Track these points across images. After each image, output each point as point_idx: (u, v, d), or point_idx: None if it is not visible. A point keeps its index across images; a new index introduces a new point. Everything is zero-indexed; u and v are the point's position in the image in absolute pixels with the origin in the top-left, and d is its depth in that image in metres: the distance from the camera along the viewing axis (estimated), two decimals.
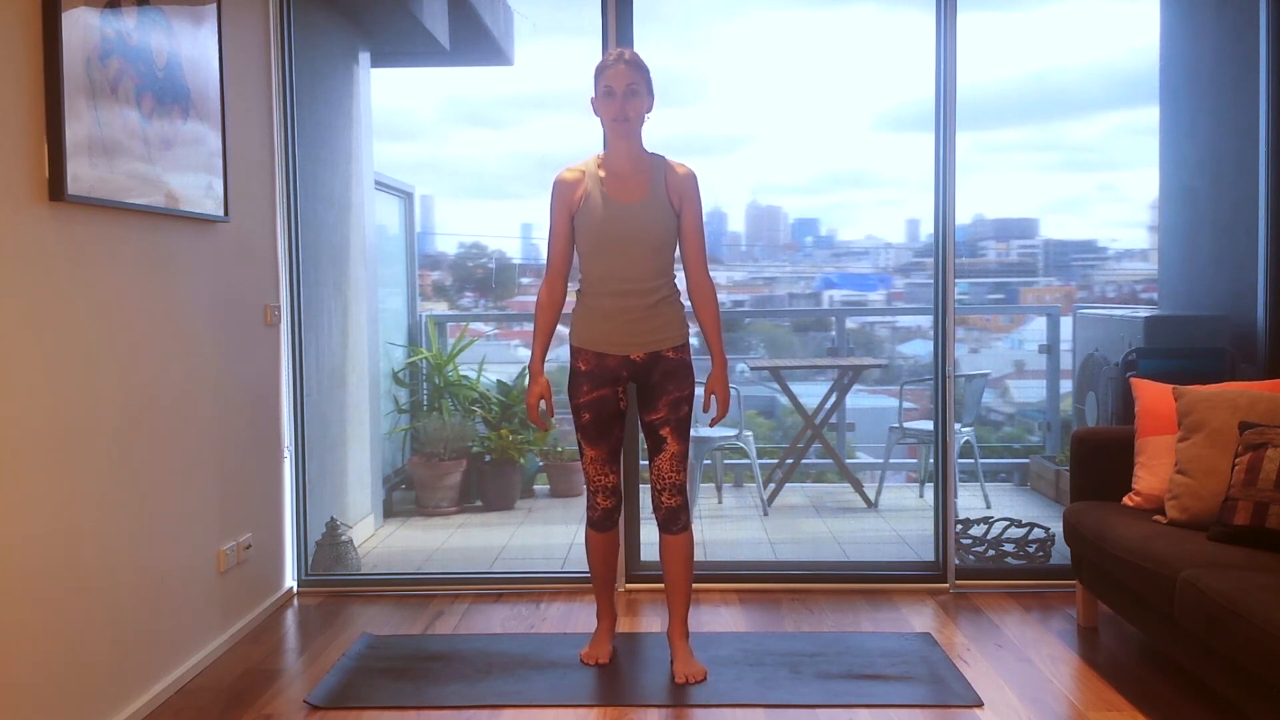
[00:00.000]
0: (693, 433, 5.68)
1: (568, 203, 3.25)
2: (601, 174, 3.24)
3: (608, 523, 3.42)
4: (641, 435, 3.53)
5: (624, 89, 3.15)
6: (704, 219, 3.32)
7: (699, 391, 3.38)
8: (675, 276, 3.34)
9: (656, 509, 3.32)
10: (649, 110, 3.23)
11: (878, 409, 6.83)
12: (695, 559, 3.41)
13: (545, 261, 3.37)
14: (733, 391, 5.72)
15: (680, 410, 3.28)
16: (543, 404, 3.34)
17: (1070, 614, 3.88)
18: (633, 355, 3.26)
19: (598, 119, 3.27)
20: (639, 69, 3.19)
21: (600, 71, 3.20)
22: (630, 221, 3.19)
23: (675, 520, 3.30)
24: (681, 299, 3.36)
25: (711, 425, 3.43)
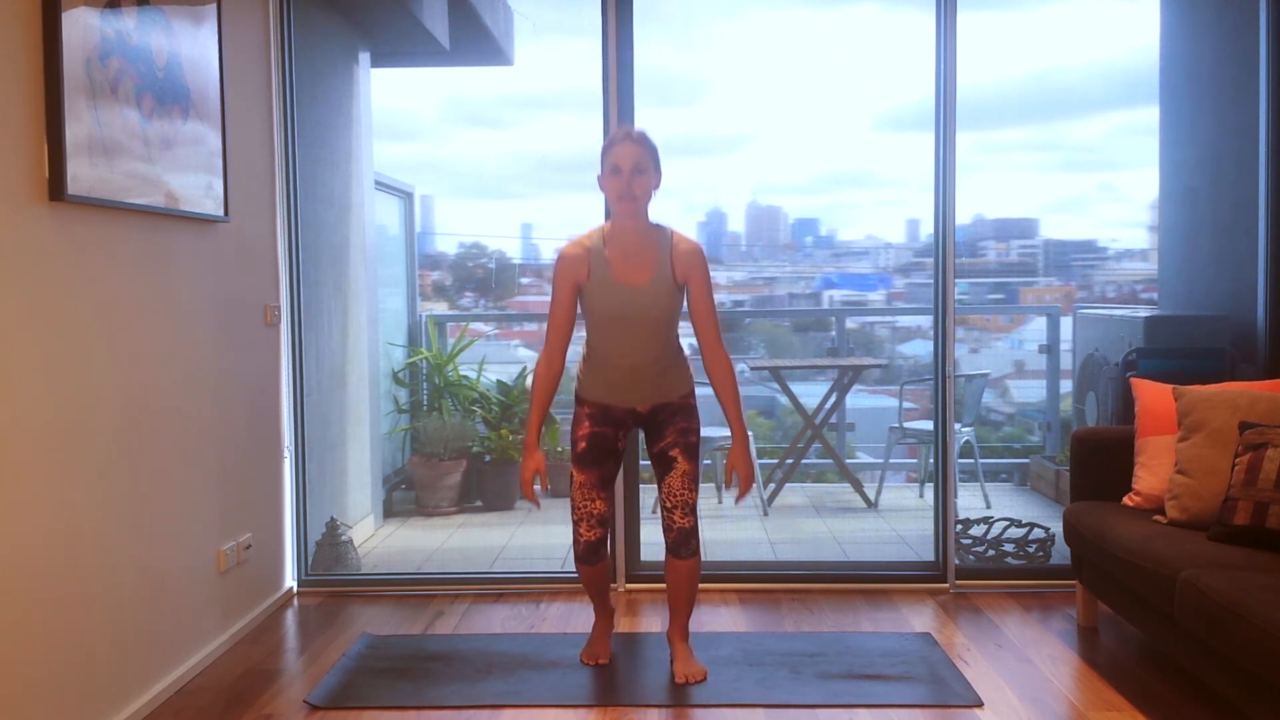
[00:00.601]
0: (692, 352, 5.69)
1: (572, 280, 3.19)
2: (607, 253, 3.17)
3: (594, 556, 3.31)
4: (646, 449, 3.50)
5: (631, 167, 3.09)
6: (713, 293, 3.24)
7: (703, 453, 3.36)
8: (679, 338, 3.33)
9: (668, 530, 3.24)
10: (656, 187, 3.17)
11: (878, 409, 6.83)
12: (698, 583, 3.39)
13: (545, 330, 3.29)
14: None
15: (689, 437, 3.28)
16: (537, 479, 3.23)
17: (1070, 614, 3.88)
18: (639, 407, 3.29)
19: (602, 194, 3.22)
20: (647, 147, 3.13)
21: (607, 149, 3.15)
22: (636, 303, 3.16)
23: (686, 544, 3.23)
24: (686, 355, 3.35)
25: (737, 503, 3.36)
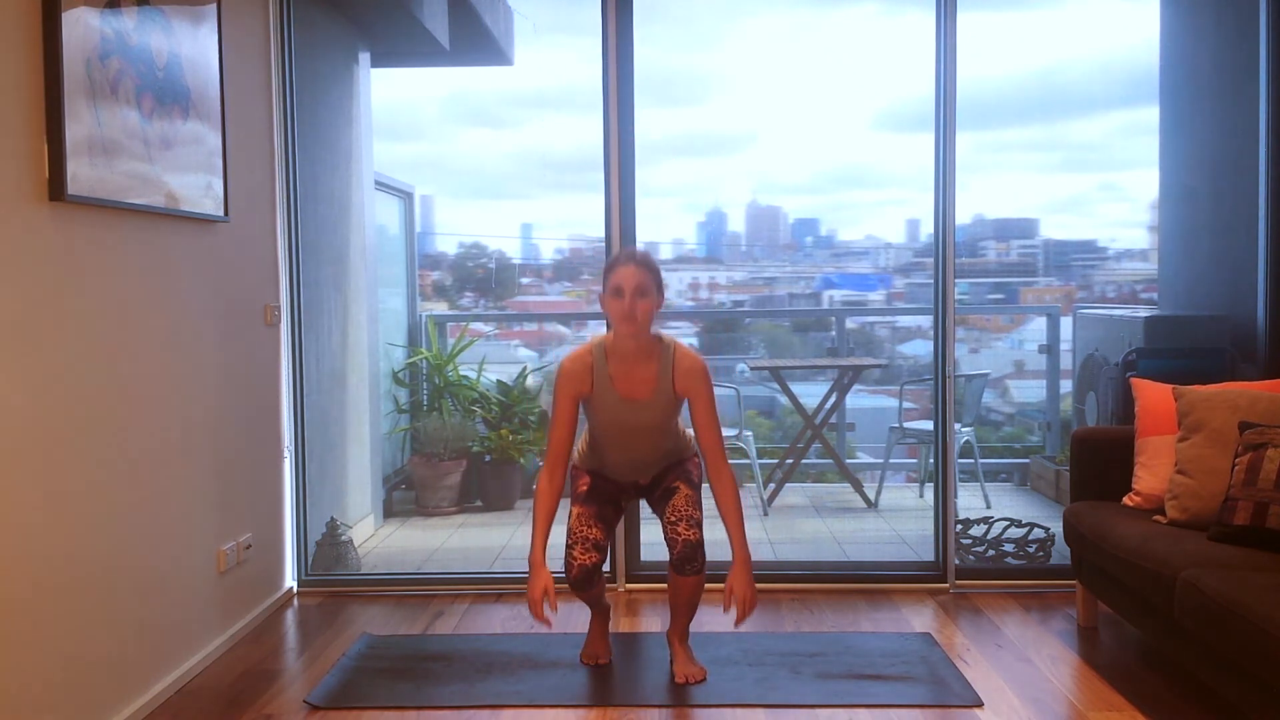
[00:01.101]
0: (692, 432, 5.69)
1: (574, 394, 3.21)
2: (609, 368, 3.18)
3: (587, 583, 3.21)
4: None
5: (633, 289, 3.08)
6: (716, 408, 3.22)
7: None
8: (679, 423, 3.35)
9: (673, 544, 3.17)
10: (658, 309, 3.17)
11: (878, 409, 6.83)
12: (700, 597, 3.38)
13: (545, 448, 3.26)
14: (731, 391, 5.76)
15: (690, 475, 3.32)
16: (547, 599, 3.11)
17: (1070, 614, 3.88)
18: (640, 481, 3.36)
19: (605, 313, 3.19)
20: (649, 269, 3.13)
21: (609, 270, 3.15)
22: (638, 417, 3.21)
23: (692, 559, 3.16)
24: (687, 434, 3.38)
25: (736, 626, 3.21)
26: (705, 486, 3.30)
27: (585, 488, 3.31)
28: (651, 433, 3.25)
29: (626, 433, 3.24)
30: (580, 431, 3.36)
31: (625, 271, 3.10)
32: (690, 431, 3.38)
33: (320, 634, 3.80)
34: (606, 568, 4.05)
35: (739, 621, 3.17)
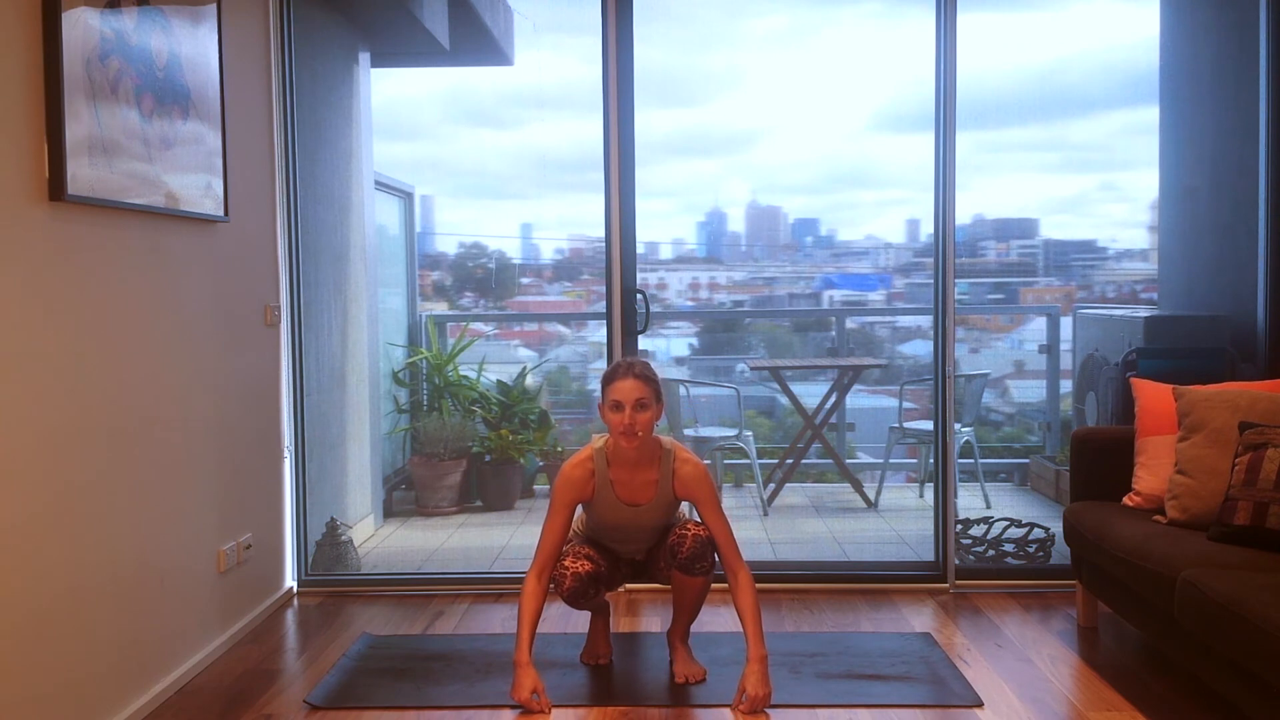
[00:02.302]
0: (692, 432, 5.68)
1: (574, 500, 3.21)
2: (610, 474, 3.20)
3: (581, 596, 3.18)
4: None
5: (633, 403, 3.09)
6: (723, 510, 3.20)
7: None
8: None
9: (681, 541, 3.15)
10: (658, 419, 3.18)
11: (878, 409, 6.83)
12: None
13: (536, 549, 3.20)
14: (731, 391, 5.76)
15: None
16: (535, 695, 3.08)
17: (1070, 614, 3.88)
18: (636, 557, 3.39)
19: (605, 424, 3.19)
20: (648, 382, 3.13)
21: (608, 382, 3.15)
22: (637, 518, 3.24)
23: (701, 558, 3.15)
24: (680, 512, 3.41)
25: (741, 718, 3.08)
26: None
27: (582, 541, 3.36)
28: (650, 531, 3.30)
29: (625, 531, 3.29)
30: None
31: (625, 386, 3.10)
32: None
33: (320, 634, 3.79)
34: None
35: (746, 715, 3.05)
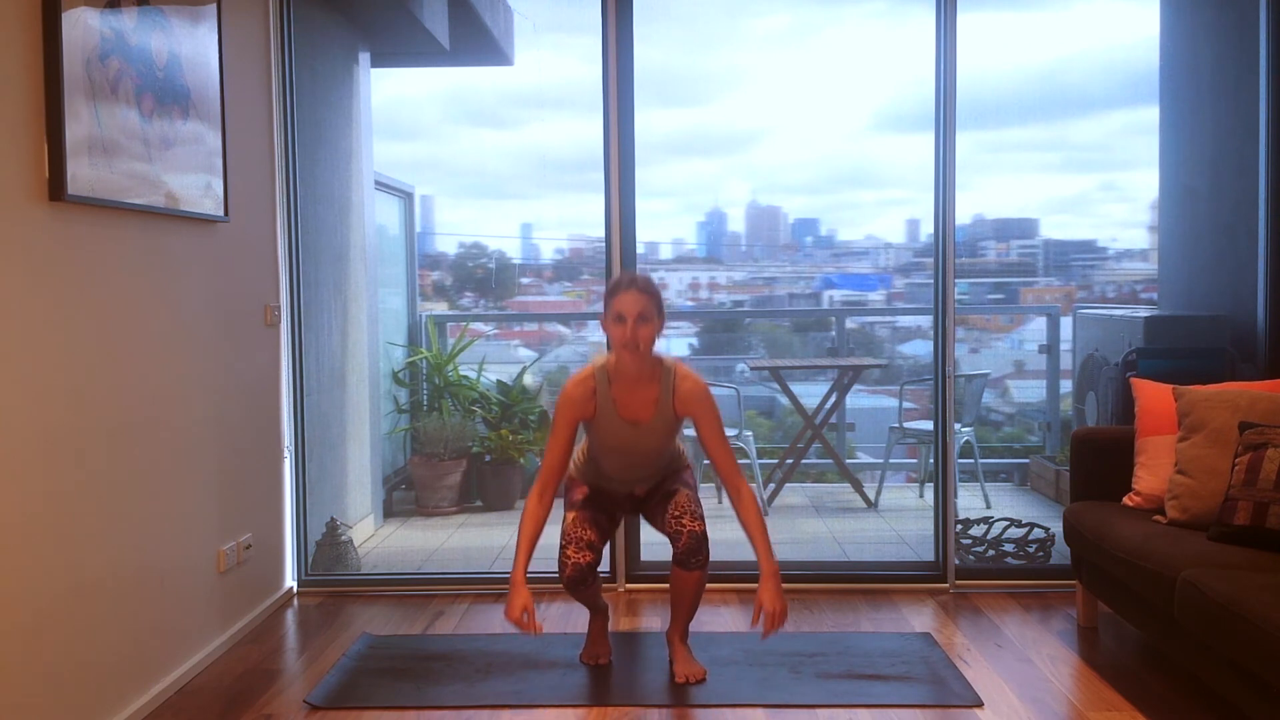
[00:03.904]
0: (692, 432, 5.68)
1: (576, 419, 3.23)
2: (612, 392, 3.21)
3: (581, 583, 3.21)
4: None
5: (635, 315, 3.11)
6: (722, 427, 3.23)
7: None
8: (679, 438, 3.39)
9: (678, 537, 3.17)
10: (659, 333, 3.20)
11: (878, 409, 6.83)
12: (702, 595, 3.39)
13: (539, 468, 3.25)
14: (731, 391, 5.76)
15: (688, 481, 3.36)
16: (525, 614, 3.10)
17: (1070, 614, 3.88)
18: (636, 491, 3.38)
19: (607, 336, 3.22)
20: (650, 295, 3.15)
21: (611, 294, 3.18)
22: (638, 438, 3.24)
23: (697, 552, 3.17)
24: (683, 447, 3.42)
25: (763, 638, 3.18)
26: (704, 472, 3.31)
27: (581, 496, 3.34)
28: (651, 452, 3.29)
29: (627, 453, 3.28)
30: (578, 442, 3.38)
31: (627, 297, 3.13)
32: (684, 446, 3.44)
33: (320, 634, 3.79)
34: (606, 569, 4.07)
35: (766, 633, 3.12)
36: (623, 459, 3.30)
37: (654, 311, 3.16)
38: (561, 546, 3.22)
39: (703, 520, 3.21)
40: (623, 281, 3.19)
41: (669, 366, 3.23)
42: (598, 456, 3.34)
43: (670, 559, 3.23)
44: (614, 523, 3.42)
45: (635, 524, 4.24)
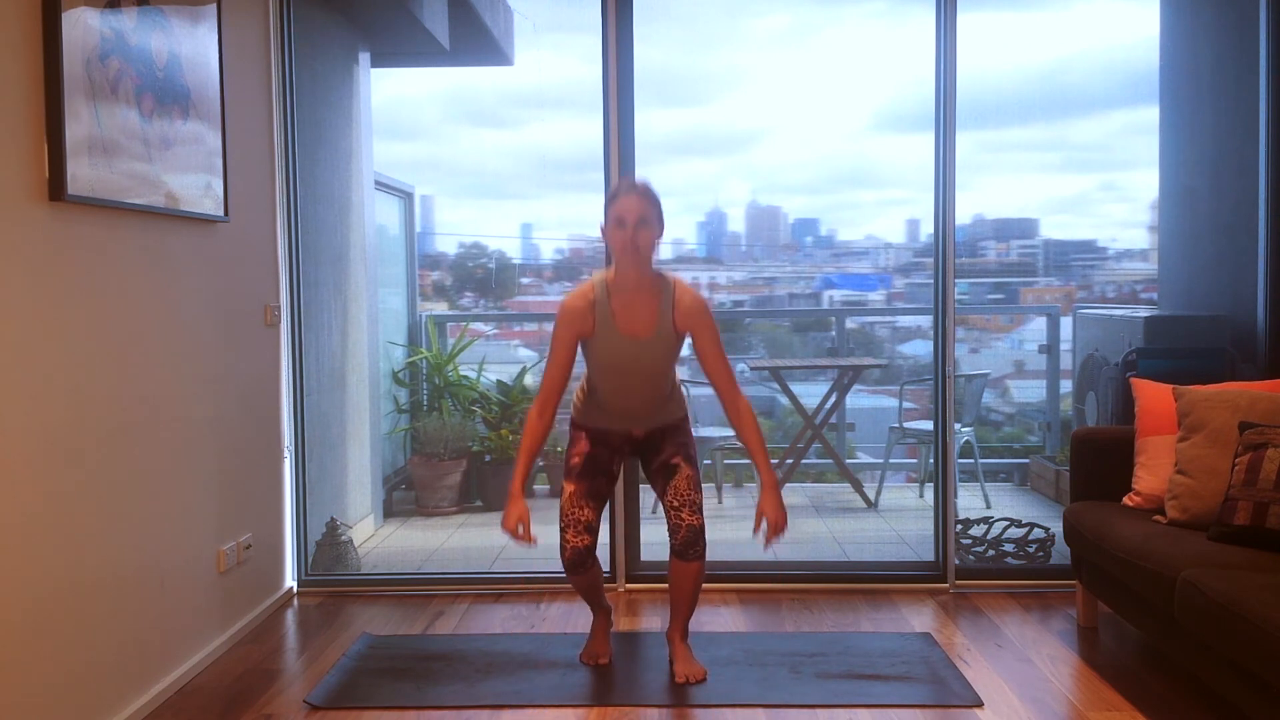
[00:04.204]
0: (693, 432, 5.68)
1: (576, 331, 3.21)
2: (611, 304, 3.20)
3: (581, 566, 3.26)
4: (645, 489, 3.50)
5: (635, 220, 3.12)
6: (720, 340, 3.24)
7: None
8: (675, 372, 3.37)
9: (675, 530, 3.21)
10: (659, 239, 3.21)
11: (878, 409, 6.83)
12: (701, 586, 3.38)
13: (540, 383, 3.27)
14: None
15: (688, 449, 3.32)
16: (521, 525, 3.16)
17: (1070, 614, 3.88)
18: (634, 432, 3.34)
19: (607, 244, 3.24)
20: (650, 199, 3.17)
21: (612, 200, 3.18)
22: (638, 356, 3.21)
23: (694, 545, 3.20)
24: (682, 388, 3.40)
25: (765, 548, 3.24)
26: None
27: (578, 460, 3.31)
28: (650, 375, 3.24)
29: (625, 373, 3.24)
30: (576, 386, 3.38)
31: (628, 202, 3.14)
32: (686, 389, 3.40)
33: (320, 634, 3.79)
34: (606, 570, 4.06)
35: (768, 543, 3.18)
36: (622, 380, 3.25)
37: (654, 217, 3.17)
38: (561, 530, 3.26)
39: (701, 513, 3.23)
40: (623, 187, 3.20)
41: (669, 280, 3.24)
42: (596, 382, 3.29)
43: (669, 550, 3.26)
44: (612, 483, 3.39)
45: (635, 525, 4.24)
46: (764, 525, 3.16)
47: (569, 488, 3.28)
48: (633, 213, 3.12)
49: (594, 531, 3.27)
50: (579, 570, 3.28)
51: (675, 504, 3.23)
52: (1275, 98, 4.19)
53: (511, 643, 3.64)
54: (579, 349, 3.25)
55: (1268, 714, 2.54)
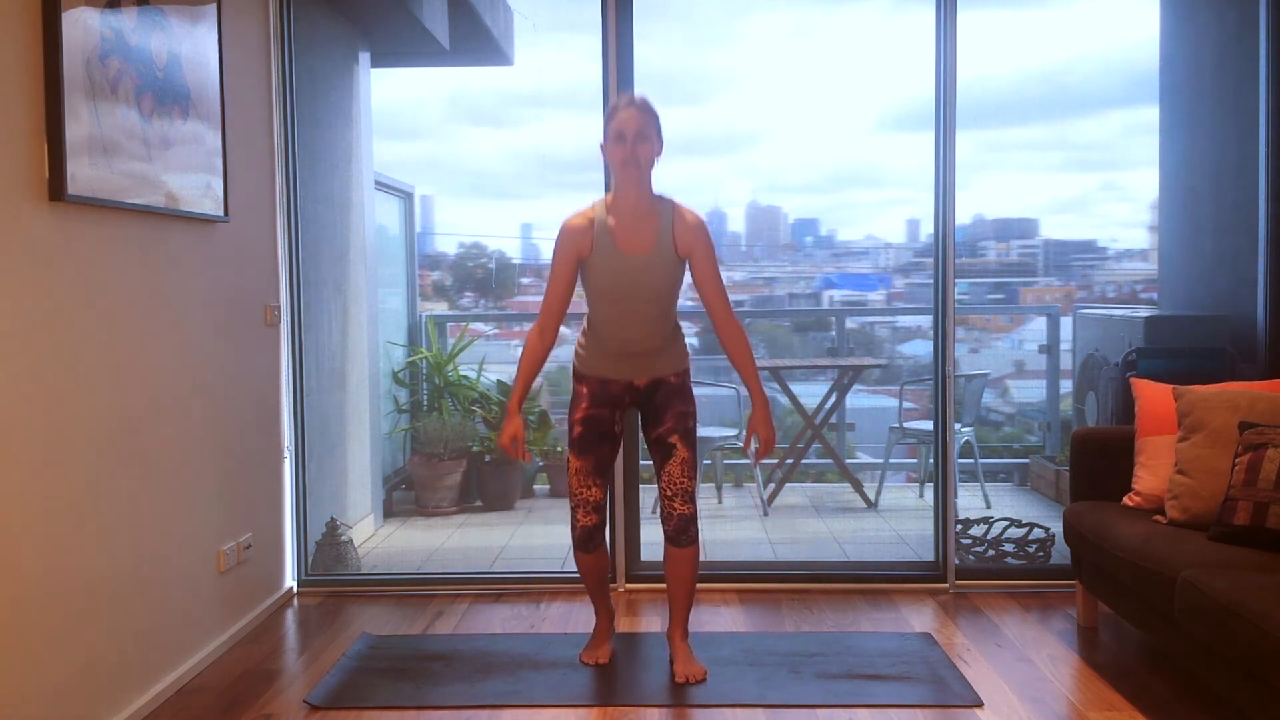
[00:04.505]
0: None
1: (574, 251, 3.21)
2: (610, 222, 3.20)
3: (590, 543, 3.34)
4: (645, 451, 3.50)
5: (634, 134, 3.13)
6: (717, 262, 3.26)
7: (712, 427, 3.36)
8: (676, 313, 3.36)
9: (668, 519, 3.27)
10: (658, 155, 3.22)
11: (878, 409, 6.83)
12: (697, 573, 3.39)
13: (541, 304, 3.30)
14: (731, 391, 5.76)
15: (687, 422, 3.30)
16: (515, 441, 3.26)
17: (1070, 614, 3.88)
18: (636, 381, 3.30)
19: (606, 162, 3.26)
20: (649, 114, 3.18)
21: (611, 116, 3.20)
22: (637, 275, 3.19)
23: (685, 531, 3.26)
24: (683, 331, 3.38)
25: (755, 464, 3.38)
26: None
27: (580, 428, 3.29)
28: (649, 299, 3.22)
29: (625, 297, 3.21)
30: (576, 338, 3.38)
31: (626, 116, 3.15)
32: (690, 342, 3.39)
33: (320, 634, 3.79)
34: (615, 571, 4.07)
35: (759, 459, 3.34)
36: (621, 307, 3.22)
37: (653, 131, 3.18)
38: (572, 509, 3.33)
39: (693, 501, 3.27)
40: (622, 102, 3.21)
41: (669, 201, 3.25)
42: (596, 313, 3.27)
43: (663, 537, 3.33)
44: (615, 449, 3.39)
45: (635, 526, 4.24)
46: (754, 443, 3.28)
47: (574, 462, 3.31)
48: (632, 126, 3.14)
49: (602, 510, 3.34)
50: (588, 548, 3.35)
51: (669, 493, 3.26)
52: (1275, 98, 4.19)
53: (511, 643, 3.64)
54: (580, 278, 3.25)
55: (1268, 714, 2.54)
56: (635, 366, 3.28)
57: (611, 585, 4.21)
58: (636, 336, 3.25)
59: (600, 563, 3.42)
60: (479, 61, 6.46)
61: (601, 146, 3.25)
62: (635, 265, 3.18)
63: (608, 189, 3.27)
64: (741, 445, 5.62)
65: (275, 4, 4.10)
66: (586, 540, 3.34)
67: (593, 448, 3.29)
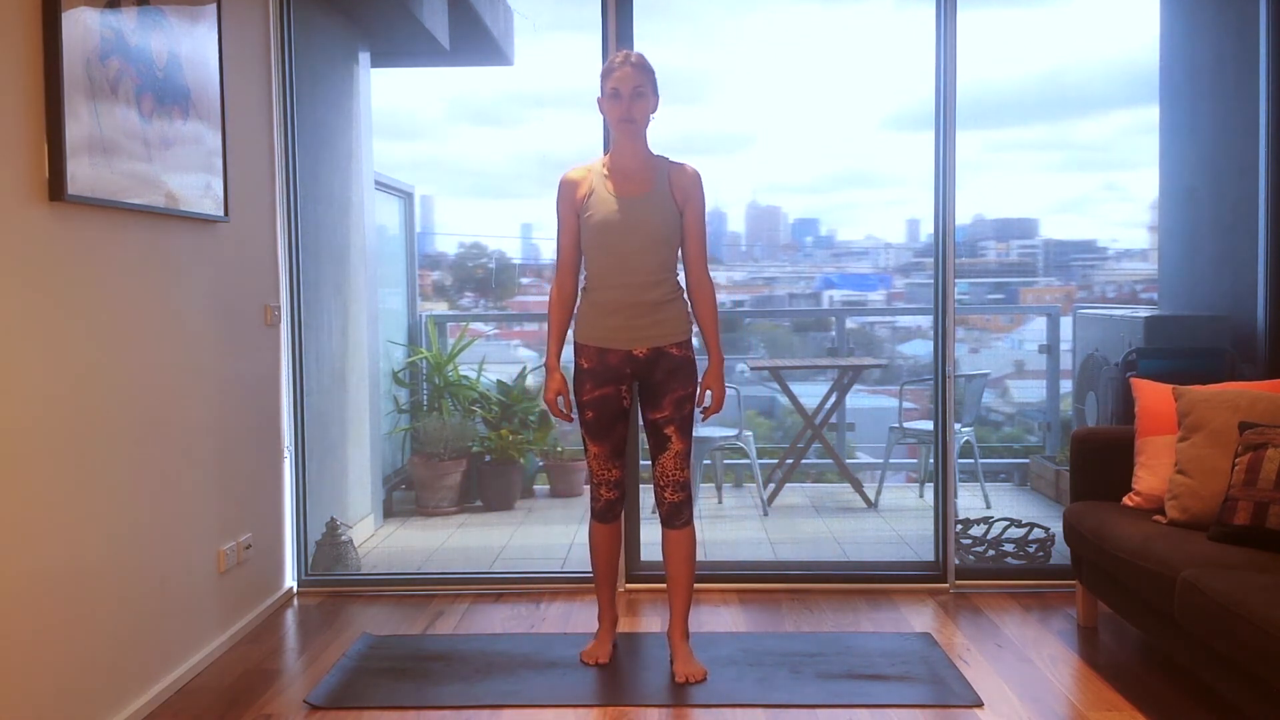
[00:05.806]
0: (694, 432, 5.69)
1: (573, 200, 3.29)
2: (606, 171, 3.28)
3: (610, 514, 3.43)
4: (643, 434, 3.52)
5: (630, 91, 3.20)
6: (705, 219, 3.35)
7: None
8: (678, 275, 3.36)
9: (660, 504, 3.33)
10: (654, 111, 3.29)
11: (878, 409, 6.83)
12: (695, 559, 3.41)
13: (555, 259, 3.40)
14: (731, 391, 5.77)
15: (684, 409, 3.31)
16: (560, 399, 3.37)
17: (1070, 614, 3.88)
18: (635, 351, 3.27)
19: (603, 118, 3.29)
20: (645, 71, 3.25)
21: (607, 73, 3.26)
22: (633, 213, 3.23)
23: (679, 515, 3.32)
24: (685, 299, 3.37)
25: (703, 420, 3.44)
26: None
27: (591, 413, 3.32)
28: (645, 251, 3.23)
29: (622, 240, 3.22)
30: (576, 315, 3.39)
31: (623, 73, 3.21)
32: (692, 313, 3.37)
33: (320, 634, 3.79)
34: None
35: (707, 417, 3.42)
36: (618, 259, 3.22)
37: (649, 88, 3.24)
38: (594, 486, 3.41)
39: (685, 489, 3.32)
40: (617, 59, 3.26)
41: (665, 157, 3.32)
42: (593, 264, 3.27)
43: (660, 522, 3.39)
44: (627, 423, 3.41)
45: (635, 524, 4.24)
46: (708, 398, 3.35)
47: (592, 448, 3.36)
48: (628, 83, 3.19)
49: (622, 487, 3.43)
50: (608, 518, 3.43)
51: (661, 484, 3.32)
52: (1275, 98, 4.19)
53: (511, 643, 3.64)
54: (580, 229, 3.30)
55: (1268, 714, 2.54)
56: (633, 331, 3.26)
57: None
58: (634, 285, 3.24)
59: (615, 539, 3.48)
60: (479, 61, 6.46)
61: (598, 101, 3.31)
62: (631, 204, 3.23)
63: (606, 148, 3.31)
64: (740, 445, 5.62)
65: (275, 4, 4.10)
66: (606, 511, 3.42)
67: (606, 431, 3.33)
